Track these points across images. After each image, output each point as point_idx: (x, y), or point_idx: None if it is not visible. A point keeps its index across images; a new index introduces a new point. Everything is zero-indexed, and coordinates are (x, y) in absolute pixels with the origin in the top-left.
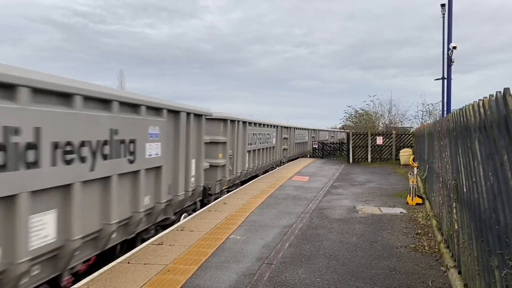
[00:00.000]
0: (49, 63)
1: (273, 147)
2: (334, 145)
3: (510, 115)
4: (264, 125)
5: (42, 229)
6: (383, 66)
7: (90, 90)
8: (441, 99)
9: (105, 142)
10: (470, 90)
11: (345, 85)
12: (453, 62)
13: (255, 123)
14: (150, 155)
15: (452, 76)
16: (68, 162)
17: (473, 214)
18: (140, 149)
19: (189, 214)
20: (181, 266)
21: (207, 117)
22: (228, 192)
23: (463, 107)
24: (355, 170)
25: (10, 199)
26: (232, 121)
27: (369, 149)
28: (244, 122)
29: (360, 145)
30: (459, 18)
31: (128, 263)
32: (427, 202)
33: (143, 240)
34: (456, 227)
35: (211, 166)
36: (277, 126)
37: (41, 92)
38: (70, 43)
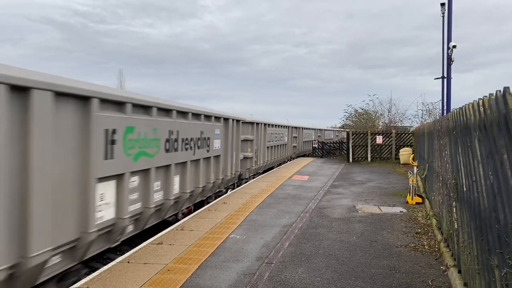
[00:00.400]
0: (49, 63)
1: (285, 144)
2: (334, 144)
3: (510, 114)
4: (278, 126)
5: (175, 184)
6: (382, 65)
7: (195, 109)
8: (441, 98)
9: (198, 139)
10: (469, 90)
11: (344, 85)
12: (453, 61)
13: (273, 125)
14: (215, 147)
15: (452, 75)
16: (186, 150)
17: (473, 213)
18: (211, 143)
19: (231, 189)
20: (181, 265)
21: (242, 121)
22: (253, 177)
23: (463, 106)
24: (355, 169)
25: (168, 167)
26: (258, 123)
27: (369, 148)
28: (265, 124)
29: (360, 144)
30: (458, 17)
31: (128, 262)
32: (427, 201)
33: (207, 202)
34: (456, 226)
35: (244, 157)
36: (288, 127)
37: (179, 112)
38: (70, 43)
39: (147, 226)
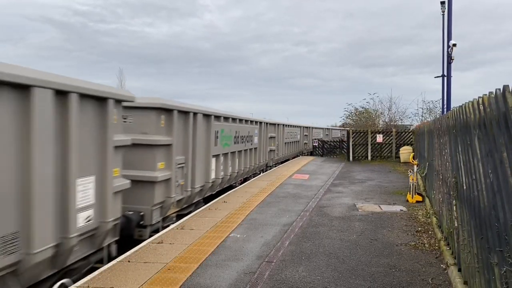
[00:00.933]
0: (49, 62)
1: (298, 141)
2: (334, 143)
3: (510, 112)
4: (293, 126)
5: (237, 164)
6: (382, 64)
7: (246, 117)
8: (441, 97)
9: (247, 136)
10: (469, 88)
11: (344, 83)
12: (453, 59)
13: (289, 125)
14: (255, 142)
15: (452, 73)
16: (243, 143)
17: (473, 212)
18: (253, 139)
19: (263, 172)
20: (181, 264)
21: (269, 123)
22: (275, 166)
23: (463, 104)
24: (355, 168)
25: (234, 153)
26: (279, 124)
27: (369, 147)
28: (283, 125)
29: (360, 143)
30: (457, 16)
31: (129, 261)
32: (427, 200)
33: (246, 180)
34: (456, 224)
35: (270, 150)
36: (301, 127)
37: (239, 120)
38: (69, 42)
39: (225, 186)
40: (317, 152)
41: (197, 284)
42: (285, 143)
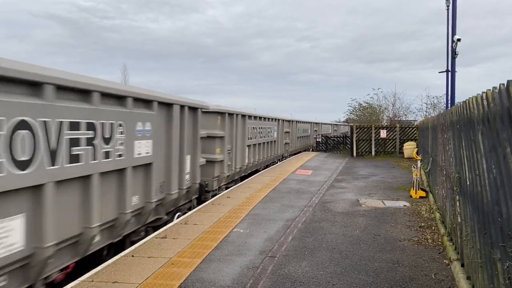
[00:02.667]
0: (53, 57)
1: (309, 136)
2: (338, 138)
3: None
4: (304, 122)
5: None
6: (385, 59)
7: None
8: (445, 92)
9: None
10: (473, 83)
11: (348, 79)
12: (457, 54)
13: (301, 121)
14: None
15: (456, 69)
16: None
17: (476, 207)
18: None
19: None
20: (185, 259)
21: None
22: (289, 157)
23: (467, 100)
24: (359, 164)
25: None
26: (292, 121)
27: (373, 142)
28: (297, 121)
29: (364, 138)
30: (460, 11)
31: (133, 256)
32: (430, 195)
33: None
34: (459, 220)
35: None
36: (311, 123)
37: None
38: (74, 38)
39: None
40: (320, 147)
41: (200, 279)
42: (297, 137)
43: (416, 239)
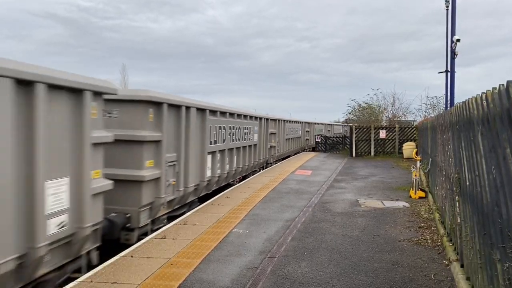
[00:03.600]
0: (53, 57)
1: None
2: (337, 138)
3: None
4: (295, 122)
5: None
6: (385, 59)
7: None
8: (444, 92)
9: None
10: (472, 83)
11: (348, 79)
12: (456, 54)
13: (293, 121)
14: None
15: (455, 69)
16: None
17: (475, 208)
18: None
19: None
20: (184, 259)
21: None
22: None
23: (466, 100)
24: (358, 164)
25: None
26: (303, 122)
27: (372, 142)
28: (308, 123)
29: (363, 138)
30: (459, 11)
31: (132, 256)
32: (430, 196)
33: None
34: (458, 220)
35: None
36: (303, 122)
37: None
38: (73, 38)
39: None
40: (319, 147)
41: (200, 279)
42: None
43: (415, 239)
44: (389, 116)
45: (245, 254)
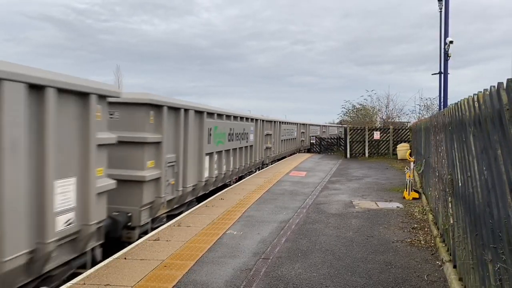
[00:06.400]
0: (49, 60)
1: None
2: (332, 140)
3: (504, 109)
4: (291, 123)
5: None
6: (379, 62)
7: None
8: (438, 94)
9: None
10: (465, 85)
11: (342, 81)
12: (449, 56)
13: (288, 122)
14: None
15: (448, 71)
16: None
17: (467, 208)
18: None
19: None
20: (177, 261)
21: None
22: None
23: (459, 102)
24: (353, 165)
25: (230, 151)
26: (303, 124)
27: (367, 144)
28: (304, 124)
29: (358, 140)
30: (451, 15)
31: (125, 258)
32: (423, 197)
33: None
34: (451, 221)
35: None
36: (298, 124)
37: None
38: (69, 40)
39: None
40: (314, 149)
41: (193, 281)
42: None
43: (409, 240)
44: (383, 117)
45: (239, 255)
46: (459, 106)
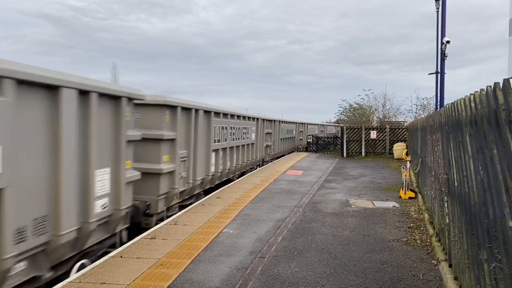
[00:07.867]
0: (45, 58)
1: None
2: (328, 139)
3: (500, 109)
4: (290, 122)
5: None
6: (376, 62)
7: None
8: (434, 94)
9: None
10: (462, 85)
11: (339, 80)
12: (446, 56)
13: (288, 122)
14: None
15: (445, 70)
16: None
17: (463, 208)
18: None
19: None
20: (173, 260)
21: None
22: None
23: (455, 101)
24: (349, 164)
25: (234, 148)
26: (303, 123)
27: (363, 143)
28: (302, 123)
29: (354, 139)
30: (448, 15)
31: (121, 257)
32: (419, 196)
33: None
34: (447, 220)
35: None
36: (297, 123)
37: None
38: (65, 37)
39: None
40: (311, 148)
41: (189, 280)
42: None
43: (405, 239)
44: (380, 116)
45: (236, 254)
46: (455, 105)
